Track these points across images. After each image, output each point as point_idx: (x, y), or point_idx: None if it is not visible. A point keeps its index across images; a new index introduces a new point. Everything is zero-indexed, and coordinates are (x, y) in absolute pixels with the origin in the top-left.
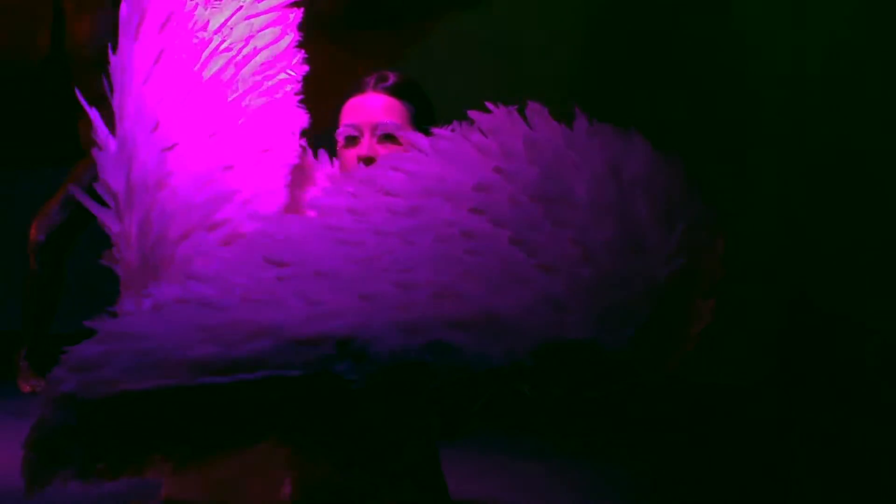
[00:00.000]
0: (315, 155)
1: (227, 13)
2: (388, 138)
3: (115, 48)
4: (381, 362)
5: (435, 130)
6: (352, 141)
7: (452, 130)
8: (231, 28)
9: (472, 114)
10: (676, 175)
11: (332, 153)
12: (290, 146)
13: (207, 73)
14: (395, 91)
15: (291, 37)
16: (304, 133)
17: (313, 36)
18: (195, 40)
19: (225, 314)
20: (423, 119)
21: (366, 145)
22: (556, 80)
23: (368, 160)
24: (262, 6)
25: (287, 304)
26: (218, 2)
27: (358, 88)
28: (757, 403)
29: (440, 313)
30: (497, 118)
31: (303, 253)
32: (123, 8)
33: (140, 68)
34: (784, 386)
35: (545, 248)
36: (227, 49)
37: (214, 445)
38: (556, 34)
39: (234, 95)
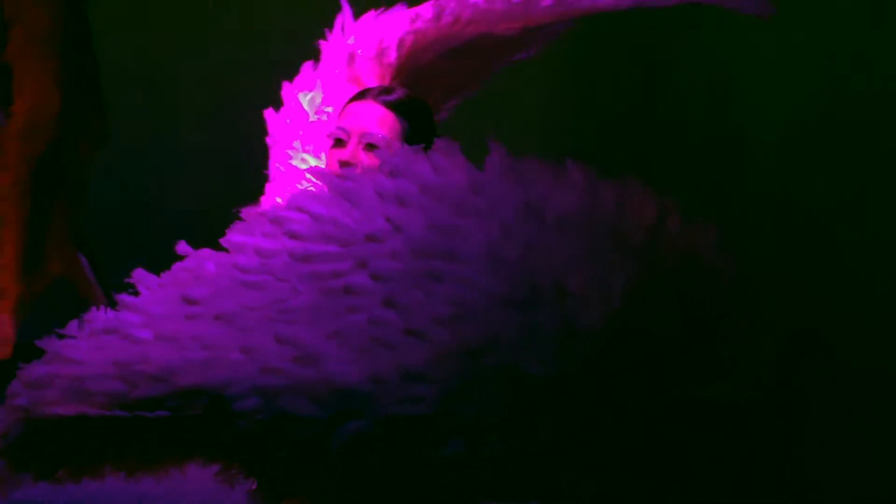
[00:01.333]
0: None
1: None
2: (373, 149)
3: None
4: (240, 421)
5: (344, 170)
6: (339, 143)
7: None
8: None
9: (377, 152)
10: (634, 206)
11: None
12: None
13: None
14: (392, 105)
15: None
16: None
17: None
18: None
19: (137, 349)
20: (415, 138)
21: (349, 150)
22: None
23: (347, 165)
24: None
25: (185, 347)
26: None
27: (360, 95)
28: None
29: (298, 379)
30: (403, 158)
31: (210, 293)
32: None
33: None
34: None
35: (418, 309)
36: None
37: (148, 463)
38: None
39: None
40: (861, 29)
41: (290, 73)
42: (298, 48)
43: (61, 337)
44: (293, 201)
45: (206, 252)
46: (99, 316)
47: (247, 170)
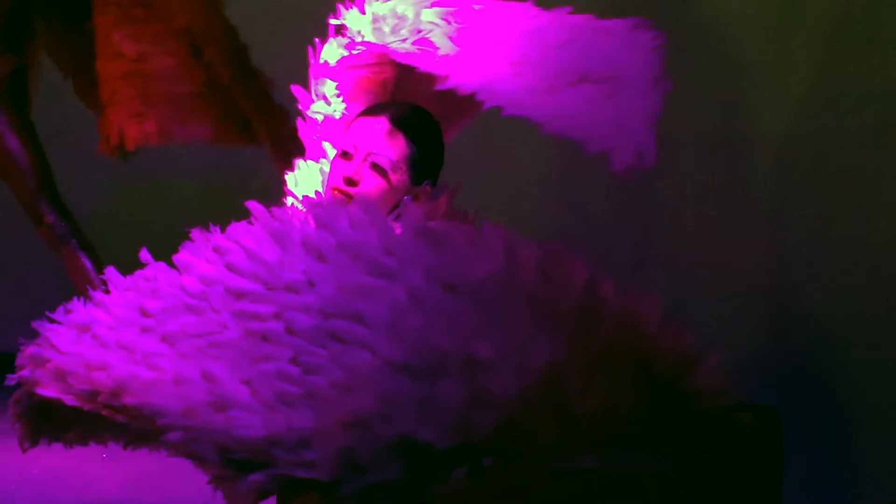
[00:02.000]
0: None
1: None
2: (378, 168)
3: None
4: (166, 448)
5: (274, 209)
6: (346, 156)
7: (289, 212)
8: None
9: (305, 201)
10: (559, 273)
11: None
12: None
13: None
14: (403, 125)
15: None
16: None
17: None
18: None
19: (102, 354)
20: (423, 163)
21: (353, 166)
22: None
23: (350, 182)
24: None
25: (137, 362)
26: None
27: (372, 110)
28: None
29: (209, 426)
30: (327, 210)
31: (162, 309)
32: None
33: None
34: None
35: (319, 371)
36: None
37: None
38: None
39: None
40: (859, 30)
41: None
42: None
43: (53, 322)
44: (231, 232)
45: (162, 265)
46: (78, 307)
47: (244, 165)
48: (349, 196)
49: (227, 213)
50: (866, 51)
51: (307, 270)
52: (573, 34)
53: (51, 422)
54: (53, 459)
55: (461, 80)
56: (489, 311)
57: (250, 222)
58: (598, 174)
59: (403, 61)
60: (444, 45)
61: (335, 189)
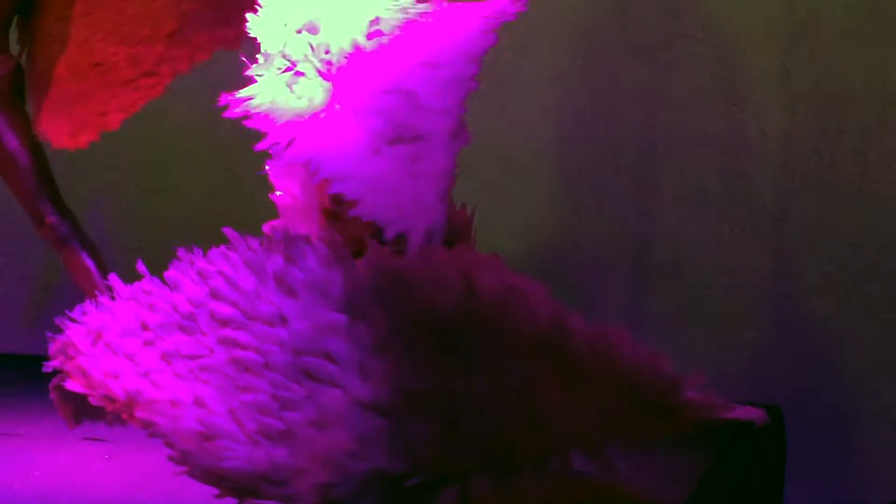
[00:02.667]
0: None
1: None
2: None
3: None
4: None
5: (249, 239)
6: None
7: (262, 244)
8: None
9: (272, 235)
10: (524, 308)
11: None
12: None
13: None
14: None
15: None
16: None
17: None
18: None
19: (114, 361)
20: None
21: None
22: None
23: (340, 200)
24: None
25: (142, 375)
26: None
27: None
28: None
29: (199, 455)
30: (296, 248)
31: (159, 324)
32: None
33: None
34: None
35: (295, 408)
36: None
37: None
38: None
39: None
40: (859, 30)
41: None
42: None
43: (73, 321)
44: (212, 256)
45: (156, 280)
46: (92, 310)
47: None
48: (339, 216)
49: (228, 218)
50: (866, 51)
51: (280, 305)
52: (402, 67)
53: (86, 406)
54: (56, 460)
55: (297, 149)
56: (455, 347)
57: (229, 248)
58: (598, 174)
59: (255, 127)
60: (313, 77)
61: (325, 210)
